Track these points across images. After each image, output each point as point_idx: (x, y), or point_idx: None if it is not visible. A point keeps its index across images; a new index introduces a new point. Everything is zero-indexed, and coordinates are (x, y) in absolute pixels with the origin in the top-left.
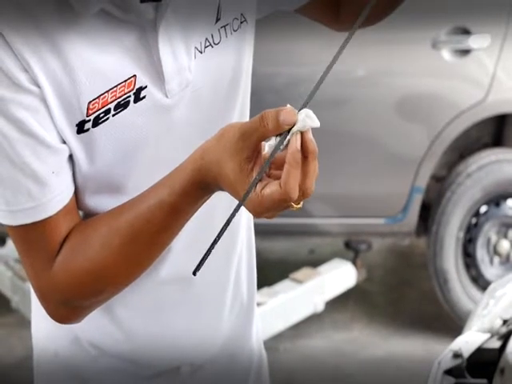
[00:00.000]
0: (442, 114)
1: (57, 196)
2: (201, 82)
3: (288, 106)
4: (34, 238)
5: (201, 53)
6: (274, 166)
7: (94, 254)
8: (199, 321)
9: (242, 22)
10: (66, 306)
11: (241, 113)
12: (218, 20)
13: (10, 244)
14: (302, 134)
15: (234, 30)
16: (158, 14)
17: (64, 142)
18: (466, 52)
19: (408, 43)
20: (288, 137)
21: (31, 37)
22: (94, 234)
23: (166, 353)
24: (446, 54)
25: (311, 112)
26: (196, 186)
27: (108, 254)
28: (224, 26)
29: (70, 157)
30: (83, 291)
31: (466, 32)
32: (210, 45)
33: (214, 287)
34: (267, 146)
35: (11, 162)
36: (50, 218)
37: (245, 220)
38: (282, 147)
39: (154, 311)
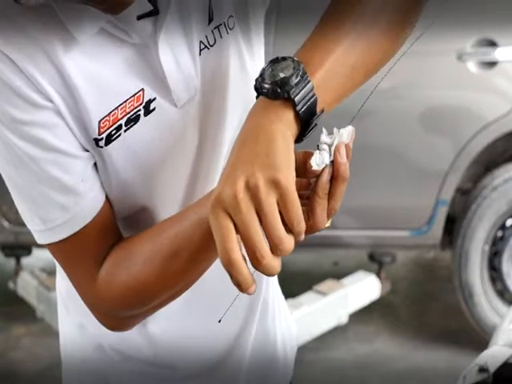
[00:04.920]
0: (467, 127)
1: (89, 202)
2: (205, 87)
3: (323, 129)
4: (75, 251)
5: (199, 55)
6: (298, 185)
7: (136, 270)
8: (220, 323)
9: (236, 18)
10: (114, 317)
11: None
12: (210, 21)
13: (36, 253)
14: (334, 156)
15: (230, 29)
16: (157, 27)
17: (87, 150)
18: (492, 64)
19: (433, 55)
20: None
21: (38, 59)
22: (136, 251)
23: (189, 356)
24: (471, 66)
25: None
26: None
27: (150, 271)
28: (217, 27)
29: (95, 165)
30: (128, 305)
31: (493, 44)
32: (206, 47)
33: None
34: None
35: (40, 180)
36: (87, 227)
37: None
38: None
39: (175, 315)
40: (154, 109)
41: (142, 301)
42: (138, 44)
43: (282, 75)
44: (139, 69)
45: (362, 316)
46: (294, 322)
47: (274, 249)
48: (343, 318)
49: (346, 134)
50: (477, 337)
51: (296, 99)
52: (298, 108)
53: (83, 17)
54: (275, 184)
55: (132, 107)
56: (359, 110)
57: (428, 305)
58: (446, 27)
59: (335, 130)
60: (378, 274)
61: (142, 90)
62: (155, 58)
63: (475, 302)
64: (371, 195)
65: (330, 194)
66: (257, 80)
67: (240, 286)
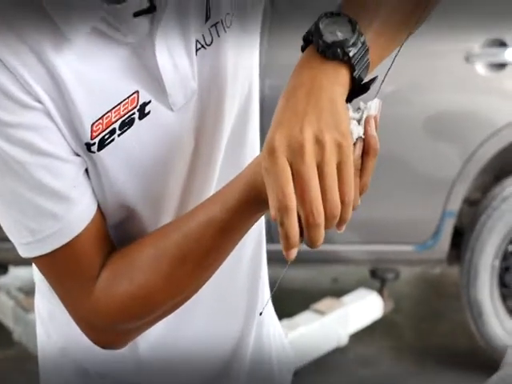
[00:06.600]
0: (476, 133)
1: (82, 210)
2: (201, 90)
3: (349, 105)
4: (67, 264)
5: (195, 55)
6: None
7: (140, 277)
8: (208, 339)
9: (233, 16)
10: (110, 332)
11: (242, 114)
12: (208, 19)
13: (13, 272)
14: (365, 130)
15: (228, 27)
16: (154, 25)
17: (78, 155)
18: (502, 66)
19: (439, 56)
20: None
21: (26, 58)
22: (139, 257)
23: (182, 377)
24: (480, 68)
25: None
26: (250, 202)
27: (155, 277)
28: (215, 25)
29: (87, 171)
30: (129, 316)
31: (502, 44)
32: (203, 46)
33: (227, 305)
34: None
35: (29, 188)
36: (80, 236)
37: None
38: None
39: (166, 332)
40: (148, 112)
41: (145, 310)
42: (133, 44)
43: (341, 36)
44: (134, 70)
45: (363, 337)
46: (288, 344)
47: (329, 215)
48: (343, 339)
49: (373, 106)
50: (487, 358)
51: (355, 65)
52: (355, 73)
53: (75, 15)
54: (339, 148)
55: (126, 110)
56: (382, 83)
57: (434, 324)
58: (452, 27)
59: (362, 103)
60: (381, 292)
61: (137, 92)
62: (151, 58)
63: (485, 321)
64: (372, 207)
65: (362, 170)
66: (311, 33)
67: (288, 240)
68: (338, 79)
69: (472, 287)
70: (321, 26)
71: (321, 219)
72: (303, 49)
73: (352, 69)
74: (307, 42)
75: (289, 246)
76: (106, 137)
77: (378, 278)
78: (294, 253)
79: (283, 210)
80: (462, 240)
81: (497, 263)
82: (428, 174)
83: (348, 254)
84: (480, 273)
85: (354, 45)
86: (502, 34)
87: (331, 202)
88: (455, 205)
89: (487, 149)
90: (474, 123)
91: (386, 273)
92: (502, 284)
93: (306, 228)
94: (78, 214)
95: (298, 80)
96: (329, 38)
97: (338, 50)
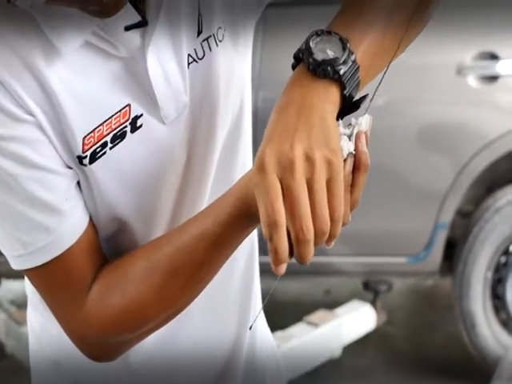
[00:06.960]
0: (468, 145)
1: (74, 222)
2: (194, 103)
3: (340, 121)
4: (59, 276)
5: (187, 69)
6: None
7: (132, 290)
8: (201, 351)
9: (225, 30)
10: (102, 345)
11: (234, 128)
12: (200, 33)
13: (5, 285)
14: (356, 145)
15: (220, 41)
16: (145, 39)
17: (70, 167)
18: (493, 78)
19: (431, 69)
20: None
21: (18, 71)
22: (131, 270)
23: None
24: (472, 81)
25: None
26: (241, 216)
27: (148, 290)
28: (206, 39)
29: (79, 184)
30: (121, 329)
31: (494, 57)
32: (195, 60)
33: (218, 319)
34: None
35: (21, 200)
36: (72, 249)
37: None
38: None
39: (159, 344)
40: (140, 125)
41: (138, 323)
42: (124, 57)
43: (332, 54)
44: (126, 83)
45: (356, 349)
46: (281, 356)
47: (318, 231)
48: (336, 351)
49: (364, 122)
50: (479, 370)
51: (346, 83)
52: (346, 91)
53: (67, 29)
54: (329, 165)
55: (118, 123)
56: (372, 98)
57: (427, 336)
58: (444, 39)
59: (353, 119)
60: (374, 304)
61: (129, 105)
62: (143, 72)
63: (477, 333)
64: (365, 219)
65: (353, 185)
66: (302, 51)
67: (277, 255)
68: (329, 97)
69: (465, 299)
70: (311, 44)
71: (310, 235)
72: (294, 67)
73: (342, 87)
74: (298, 59)
75: (278, 261)
76: (98, 150)
77: (370, 289)
78: (283, 268)
79: (272, 224)
80: (454, 252)
81: (489, 275)
82: (420, 185)
83: (341, 266)
84: (473, 284)
85: (344, 63)
86: (494, 47)
87: (321, 219)
88: (448, 216)
89: (479, 161)
90: (466, 135)
91: (378, 285)
92: (495, 295)
93: (296, 244)
94: (69, 226)
95: (289, 97)
96: (319, 56)
97: (329, 68)
